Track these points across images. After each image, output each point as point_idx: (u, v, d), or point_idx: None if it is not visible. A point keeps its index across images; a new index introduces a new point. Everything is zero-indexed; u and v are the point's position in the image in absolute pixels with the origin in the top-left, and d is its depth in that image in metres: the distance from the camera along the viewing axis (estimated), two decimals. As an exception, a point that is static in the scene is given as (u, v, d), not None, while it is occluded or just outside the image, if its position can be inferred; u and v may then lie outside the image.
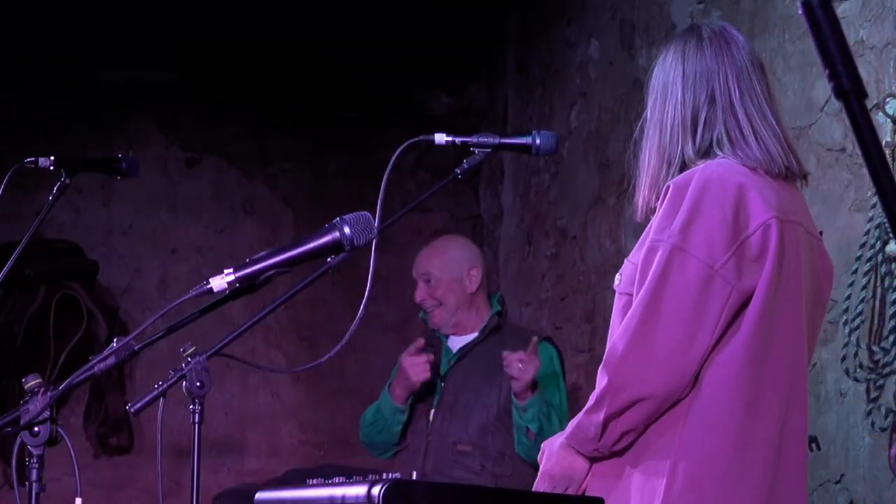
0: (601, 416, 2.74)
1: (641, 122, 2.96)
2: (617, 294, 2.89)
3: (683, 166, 2.85)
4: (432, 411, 4.77)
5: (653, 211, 2.87)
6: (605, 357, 2.77)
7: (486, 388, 4.71)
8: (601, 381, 2.75)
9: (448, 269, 4.82)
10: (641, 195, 2.92)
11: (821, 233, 3.56)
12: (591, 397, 2.78)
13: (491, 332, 4.83)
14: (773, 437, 2.73)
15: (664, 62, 2.93)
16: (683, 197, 2.73)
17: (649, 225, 2.82)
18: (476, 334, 4.83)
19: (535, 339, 4.62)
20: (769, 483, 2.73)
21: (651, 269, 2.72)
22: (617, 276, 2.91)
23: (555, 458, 2.85)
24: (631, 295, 2.80)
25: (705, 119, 2.83)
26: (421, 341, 4.77)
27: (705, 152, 2.84)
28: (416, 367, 4.66)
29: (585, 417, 2.79)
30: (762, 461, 2.72)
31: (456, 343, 4.87)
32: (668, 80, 2.90)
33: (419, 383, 4.69)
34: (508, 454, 4.65)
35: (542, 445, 2.92)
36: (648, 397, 2.70)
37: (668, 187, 2.78)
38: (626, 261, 2.92)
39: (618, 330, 2.76)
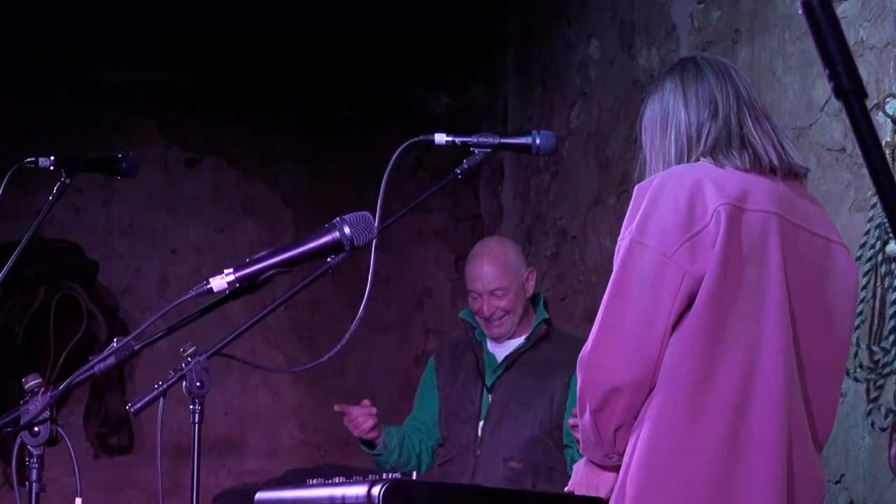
0: (587, 415, 2.85)
1: (641, 163, 3.03)
2: None
3: None
4: (481, 423, 4.57)
5: None
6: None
7: (537, 401, 4.51)
8: (578, 381, 2.86)
9: (514, 277, 4.62)
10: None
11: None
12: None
13: (539, 340, 4.63)
14: (728, 412, 2.77)
15: (662, 93, 3.00)
16: (645, 196, 2.85)
17: None
18: (521, 341, 4.63)
19: None
20: (726, 458, 2.76)
21: (615, 265, 2.85)
22: None
23: (580, 475, 2.99)
24: None
25: (708, 131, 2.93)
26: (367, 404, 4.63)
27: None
28: (354, 421, 4.58)
29: (581, 425, 2.90)
30: (715, 435, 2.77)
31: (500, 350, 4.67)
32: (669, 107, 2.98)
33: (363, 435, 4.57)
34: (559, 470, 4.46)
35: (573, 467, 3.03)
36: (620, 387, 2.80)
37: (634, 190, 2.89)
38: None
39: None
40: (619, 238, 2.88)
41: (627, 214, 2.87)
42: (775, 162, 2.90)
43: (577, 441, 3.09)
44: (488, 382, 4.60)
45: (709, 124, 2.93)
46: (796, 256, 2.88)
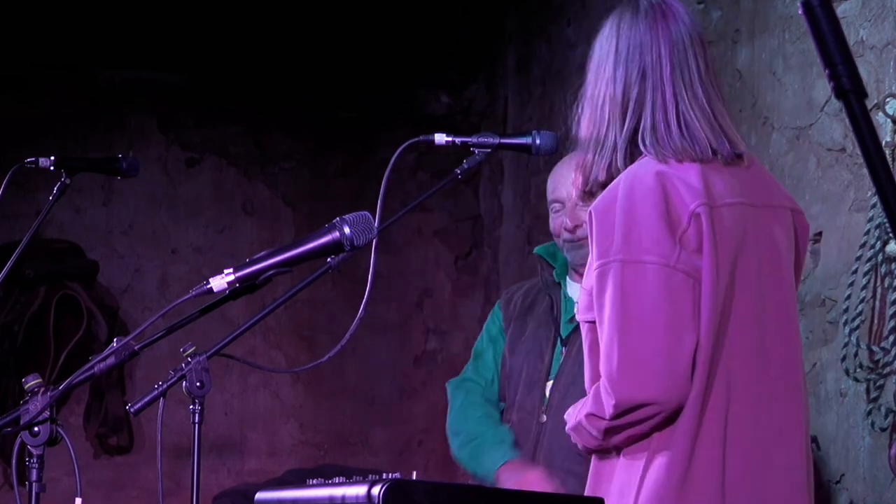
0: (603, 424, 2.71)
1: (579, 98, 2.86)
2: (581, 322, 2.83)
3: (610, 164, 2.77)
4: (549, 384, 3.84)
5: (584, 195, 2.85)
6: (601, 383, 2.70)
7: None
8: (607, 403, 2.67)
9: None
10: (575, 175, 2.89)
11: (820, 232, 3.56)
12: (592, 408, 2.72)
13: None
14: (719, 427, 2.67)
15: (601, 36, 2.81)
16: (612, 213, 2.66)
17: (591, 254, 2.74)
18: None
19: None
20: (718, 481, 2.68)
21: (608, 293, 2.65)
22: (575, 306, 2.84)
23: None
24: (592, 321, 2.74)
25: (636, 97, 2.73)
26: None
27: (630, 141, 2.74)
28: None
29: (587, 421, 2.75)
30: (708, 458, 2.67)
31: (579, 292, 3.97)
32: (602, 56, 2.79)
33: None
34: None
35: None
36: (657, 412, 2.64)
37: (590, 214, 2.71)
38: (580, 290, 2.86)
39: (601, 361, 2.69)
40: (596, 263, 2.69)
41: (596, 238, 2.69)
42: (715, 146, 2.72)
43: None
44: (563, 333, 3.88)
45: (637, 87, 2.73)
46: (764, 240, 2.75)
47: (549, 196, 3.89)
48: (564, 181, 3.82)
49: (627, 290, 2.62)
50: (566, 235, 3.82)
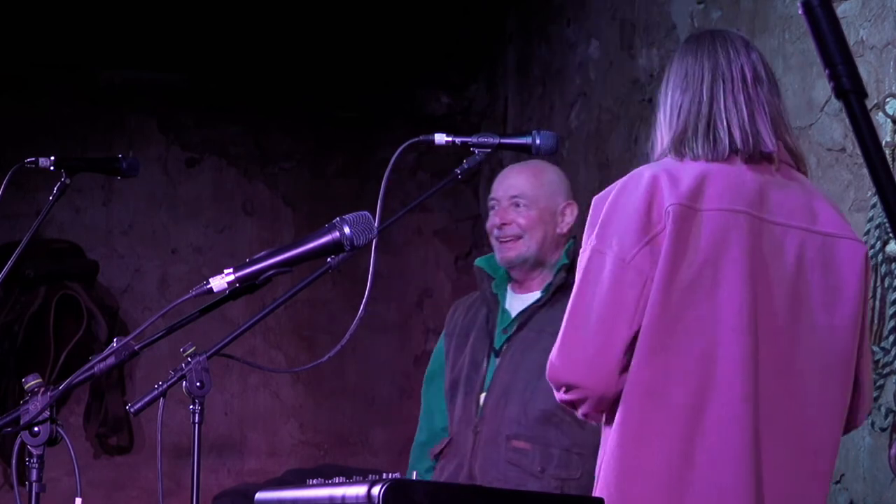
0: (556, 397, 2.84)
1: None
2: None
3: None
4: (483, 395, 3.89)
5: None
6: None
7: None
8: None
9: (544, 194, 3.96)
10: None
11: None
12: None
13: (557, 292, 3.88)
14: (679, 429, 2.69)
15: (666, 74, 2.94)
16: (604, 203, 2.79)
17: None
18: (539, 294, 3.93)
19: None
20: (679, 478, 2.69)
21: (578, 275, 2.79)
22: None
23: None
24: None
25: (678, 110, 2.85)
26: None
27: (672, 147, 2.85)
28: None
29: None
30: (665, 454, 2.70)
31: (516, 305, 3.97)
32: (663, 83, 2.92)
33: None
34: (577, 451, 3.81)
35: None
36: (584, 397, 2.75)
37: (592, 201, 2.84)
38: None
39: None
40: (581, 250, 2.81)
41: (587, 226, 2.81)
42: (738, 144, 2.78)
43: None
44: (497, 344, 3.94)
45: (680, 101, 2.84)
46: (765, 255, 2.74)
47: (490, 195, 4.03)
48: (503, 181, 3.99)
49: (587, 276, 2.75)
50: (496, 232, 3.95)
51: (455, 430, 3.95)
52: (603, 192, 2.82)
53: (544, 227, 3.95)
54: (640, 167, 2.82)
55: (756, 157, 2.80)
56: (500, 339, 3.94)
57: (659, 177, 2.74)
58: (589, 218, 2.81)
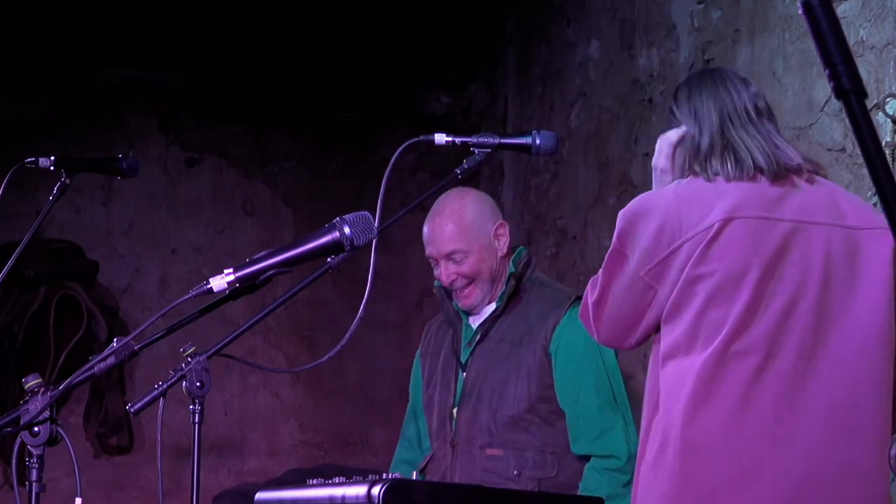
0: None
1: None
2: None
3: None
4: (455, 410, 3.97)
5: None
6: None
7: (514, 373, 3.89)
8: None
9: (475, 236, 3.95)
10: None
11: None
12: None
13: (511, 300, 3.96)
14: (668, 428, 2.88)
15: (676, 106, 3.12)
16: (628, 215, 3.00)
17: None
18: (495, 304, 3.98)
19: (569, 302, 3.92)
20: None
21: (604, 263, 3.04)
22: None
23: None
24: None
25: (697, 143, 3.04)
26: None
27: (686, 168, 3.05)
28: None
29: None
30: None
31: (476, 320, 4.03)
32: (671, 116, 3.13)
33: None
34: (550, 451, 3.86)
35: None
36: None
37: (619, 215, 3.03)
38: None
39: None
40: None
41: (615, 237, 3.02)
42: (762, 164, 2.94)
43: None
44: (463, 358, 4.01)
45: (697, 129, 3.01)
46: (790, 254, 2.90)
47: (425, 248, 4.03)
48: (433, 240, 3.98)
49: (609, 271, 3.00)
50: (447, 288, 4.02)
51: (435, 447, 4.04)
52: (629, 205, 3.00)
53: (488, 263, 3.98)
54: (670, 185, 2.99)
55: (782, 173, 2.96)
56: (465, 353, 4.01)
57: (682, 200, 2.92)
58: (616, 231, 3.00)
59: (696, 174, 2.98)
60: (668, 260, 2.89)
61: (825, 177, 3.04)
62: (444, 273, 3.96)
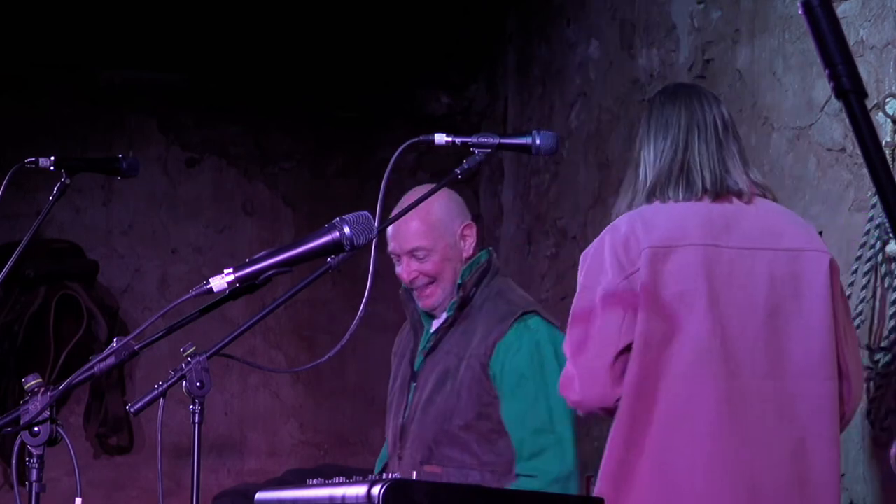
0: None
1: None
2: None
3: (630, 203, 3.33)
4: (403, 421, 3.89)
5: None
6: None
7: (454, 388, 3.76)
8: None
9: (439, 234, 3.84)
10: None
11: (820, 232, 3.57)
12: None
13: (462, 309, 3.83)
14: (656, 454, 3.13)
15: (648, 116, 3.36)
16: (590, 253, 3.26)
17: None
18: (446, 314, 3.86)
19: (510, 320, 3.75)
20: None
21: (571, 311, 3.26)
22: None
23: None
24: None
25: (659, 158, 3.27)
26: None
27: (648, 188, 3.28)
28: None
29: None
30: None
31: (435, 324, 3.92)
32: (640, 132, 3.34)
33: None
34: (489, 469, 3.73)
35: None
36: (575, 404, 3.32)
37: (581, 256, 3.29)
38: None
39: None
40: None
41: (579, 275, 3.26)
42: (708, 185, 3.19)
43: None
44: (416, 367, 3.90)
45: (662, 146, 3.26)
46: (735, 279, 3.13)
47: (388, 244, 3.89)
48: (397, 235, 3.85)
49: (579, 309, 3.21)
50: (407, 283, 3.88)
51: (389, 454, 3.98)
52: (589, 247, 3.25)
53: (452, 264, 3.85)
54: (618, 219, 3.23)
55: (724, 193, 3.20)
56: (419, 361, 3.91)
57: (634, 226, 3.17)
58: (580, 270, 3.25)
59: (650, 203, 3.23)
60: (632, 278, 3.14)
61: (774, 200, 3.28)
62: (406, 270, 3.84)
